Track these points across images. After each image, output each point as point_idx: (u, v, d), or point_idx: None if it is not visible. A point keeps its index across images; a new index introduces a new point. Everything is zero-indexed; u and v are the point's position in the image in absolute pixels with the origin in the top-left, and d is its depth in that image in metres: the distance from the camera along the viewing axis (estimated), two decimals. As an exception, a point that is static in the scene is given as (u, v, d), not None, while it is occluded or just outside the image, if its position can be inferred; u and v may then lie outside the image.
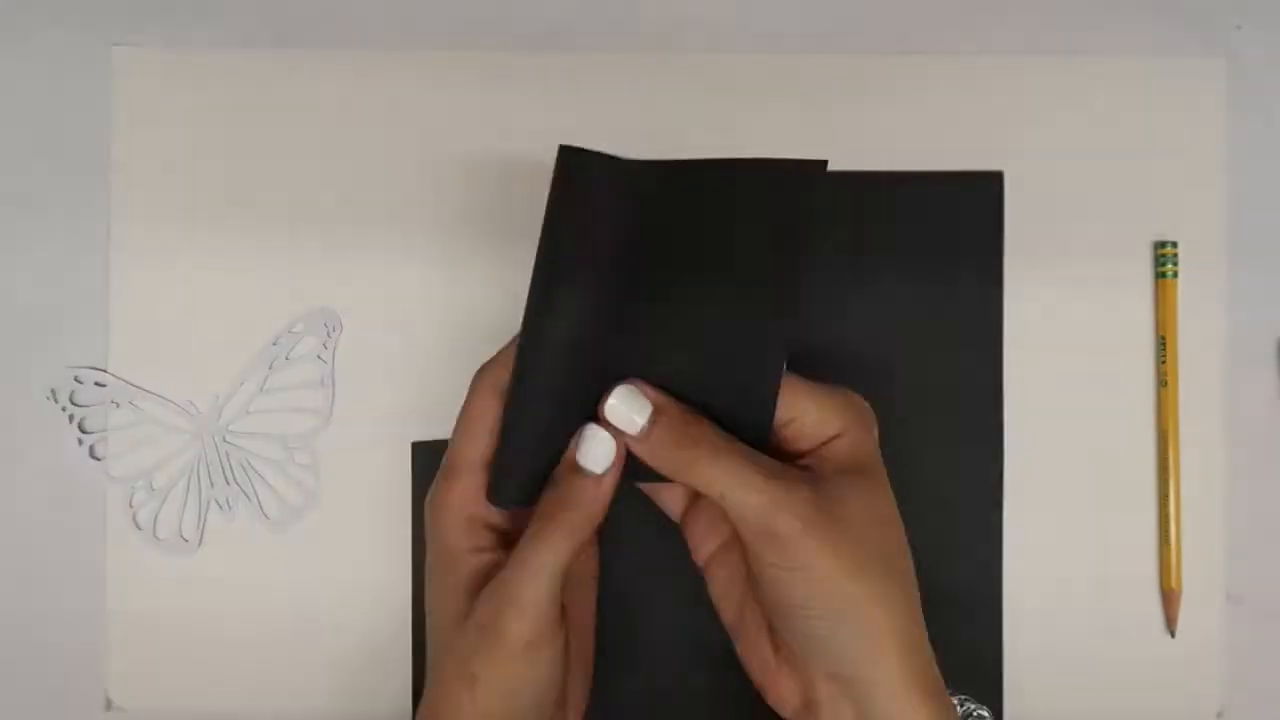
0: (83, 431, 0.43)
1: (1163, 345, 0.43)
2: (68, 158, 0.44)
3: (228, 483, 0.44)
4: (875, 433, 0.34)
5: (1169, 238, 0.44)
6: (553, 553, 0.31)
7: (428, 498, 0.34)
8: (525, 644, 0.31)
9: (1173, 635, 0.43)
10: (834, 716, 0.32)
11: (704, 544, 0.36)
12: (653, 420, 0.32)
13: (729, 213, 0.32)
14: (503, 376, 0.33)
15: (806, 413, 0.33)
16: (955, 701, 0.36)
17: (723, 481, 0.31)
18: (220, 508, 0.44)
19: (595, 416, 0.33)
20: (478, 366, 0.43)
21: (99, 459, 0.44)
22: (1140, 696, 0.43)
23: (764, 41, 0.44)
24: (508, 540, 0.34)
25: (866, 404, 0.34)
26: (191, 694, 0.44)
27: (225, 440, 0.44)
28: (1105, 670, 0.43)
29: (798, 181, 0.32)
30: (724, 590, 0.35)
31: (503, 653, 0.31)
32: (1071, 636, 0.43)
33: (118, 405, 0.43)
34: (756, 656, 0.35)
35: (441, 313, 0.44)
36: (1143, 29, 0.44)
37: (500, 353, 0.34)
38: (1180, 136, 0.44)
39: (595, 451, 0.32)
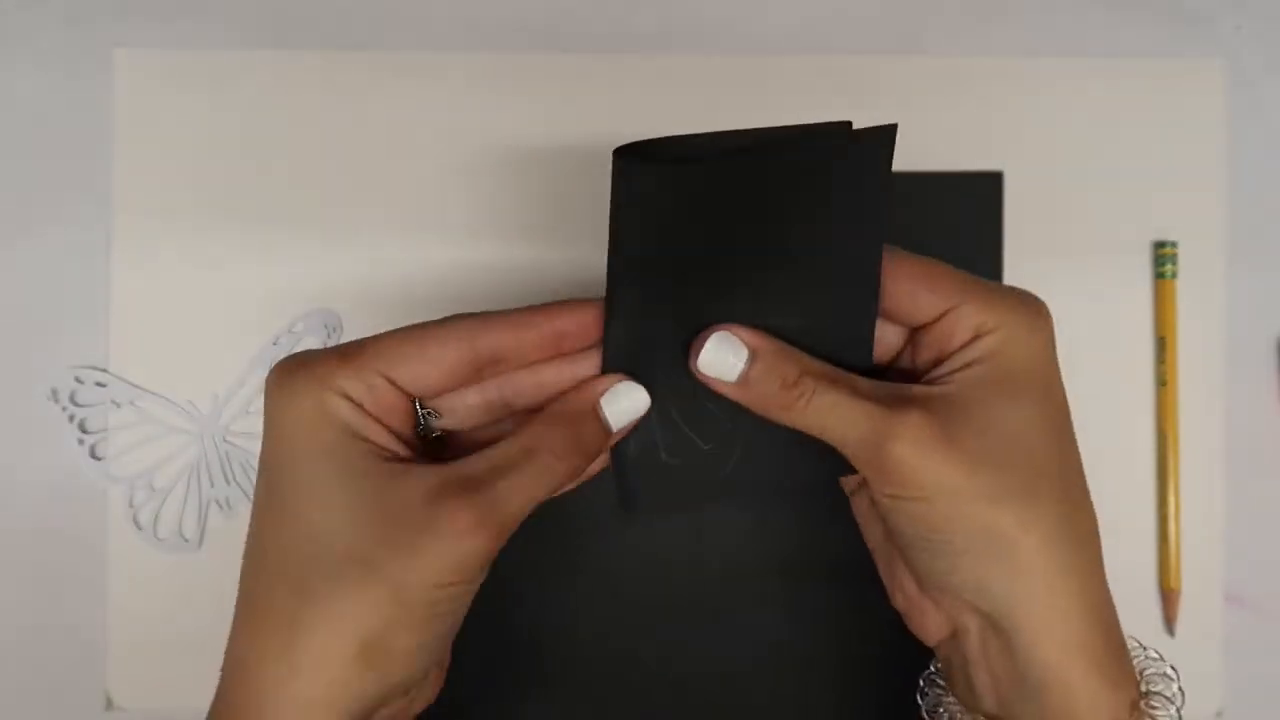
0: (83, 431, 0.43)
1: (1162, 345, 0.43)
2: (68, 158, 0.44)
3: (228, 483, 0.44)
4: (1044, 335, 0.30)
5: (1169, 238, 0.44)
6: (551, 485, 0.28)
7: (310, 368, 0.28)
8: (485, 563, 0.27)
9: (1172, 635, 0.43)
10: (982, 652, 0.29)
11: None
12: (750, 363, 0.29)
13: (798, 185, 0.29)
14: (484, 332, 0.29)
15: (959, 309, 0.29)
16: (1136, 650, 0.31)
17: (824, 419, 0.28)
18: (220, 508, 0.44)
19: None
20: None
21: (99, 459, 0.44)
22: (1140, 696, 0.43)
23: (764, 42, 0.44)
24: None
25: (1042, 303, 0.30)
26: (191, 694, 0.44)
27: (225, 440, 0.44)
28: (1105, 670, 0.43)
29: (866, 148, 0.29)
30: (865, 517, 0.33)
31: (459, 568, 0.26)
32: (1071, 636, 0.43)
33: (118, 405, 0.43)
34: (897, 583, 0.32)
35: (441, 313, 0.44)
36: (1143, 29, 0.44)
37: (492, 314, 0.29)
38: (1180, 136, 0.44)
39: (621, 410, 0.29)
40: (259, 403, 0.44)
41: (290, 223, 0.44)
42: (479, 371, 0.29)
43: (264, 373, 0.43)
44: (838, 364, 0.29)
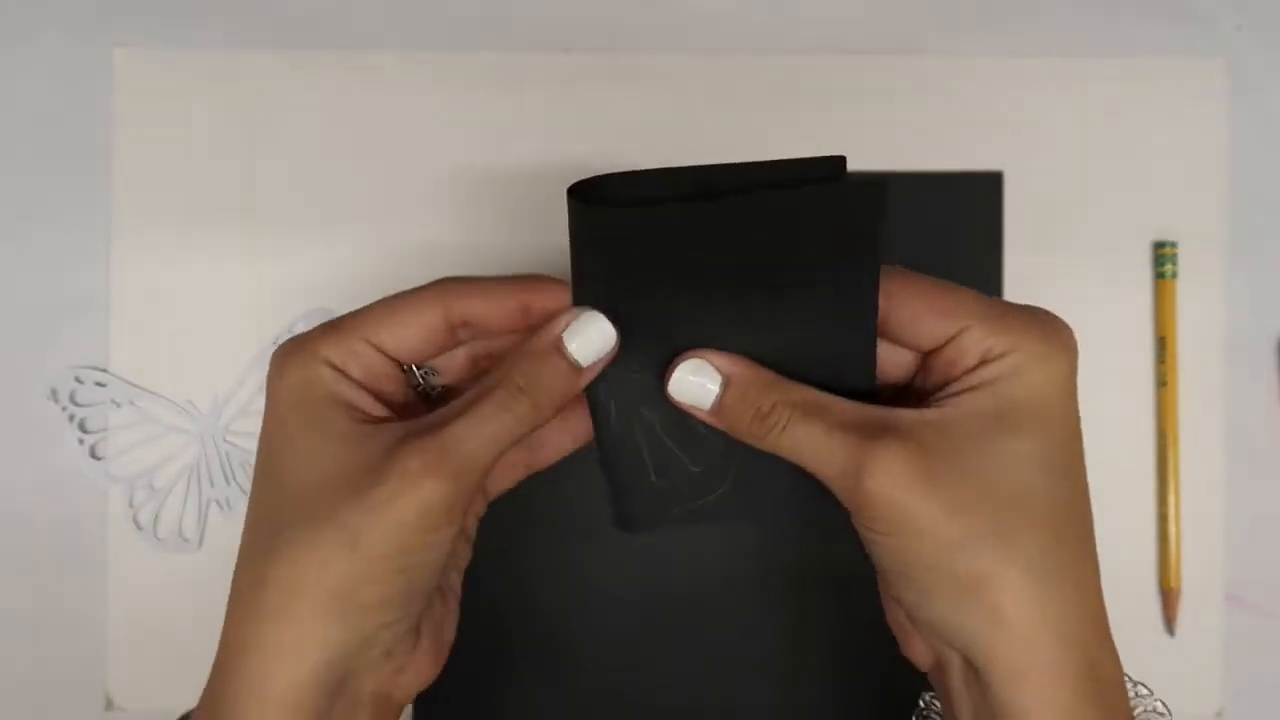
0: (83, 431, 0.43)
1: (1162, 345, 0.43)
2: (69, 158, 0.44)
3: (228, 483, 0.44)
4: (1059, 363, 0.27)
5: (1169, 238, 0.44)
6: (515, 427, 0.27)
7: (300, 344, 0.29)
8: (442, 512, 0.26)
9: (1172, 635, 0.43)
10: (963, 688, 0.28)
11: None
12: (724, 389, 0.28)
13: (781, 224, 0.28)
14: (461, 299, 0.29)
15: (967, 332, 0.27)
16: (1132, 692, 0.29)
17: (800, 450, 0.27)
18: (220, 508, 0.44)
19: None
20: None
21: (99, 459, 0.44)
22: (1140, 696, 0.43)
23: (764, 41, 0.44)
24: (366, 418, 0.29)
25: (1063, 326, 0.28)
26: (191, 694, 0.44)
27: (225, 440, 0.44)
28: (1105, 670, 0.43)
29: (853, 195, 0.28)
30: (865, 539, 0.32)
31: (411, 515, 0.26)
32: (1071, 636, 0.43)
33: (118, 405, 0.43)
34: (890, 610, 0.31)
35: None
36: (1143, 29, 0.44)
37: (472, 281, 0.30)
38: (1180, 136, 0.44)
39: (587, 341, 0.28)
40: (259, 403, 0.44)
41: (290, 223, 0.44)
42: (454, 334, 0.29)
43: (264, 373, 0.43)
44: (839, 387, 0.28)
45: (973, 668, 0.27)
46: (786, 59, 0.44)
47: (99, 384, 0.43)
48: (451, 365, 0.30)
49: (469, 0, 0.44)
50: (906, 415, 0.27)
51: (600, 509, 0.31)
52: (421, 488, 0.26)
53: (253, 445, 0.44)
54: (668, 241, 0.27)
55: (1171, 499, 0.43)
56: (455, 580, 0.32)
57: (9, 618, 0.44)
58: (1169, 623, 0.43)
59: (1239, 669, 0.43)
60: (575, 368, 0.28)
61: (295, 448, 0.28)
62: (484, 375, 0.29)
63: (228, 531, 0.44)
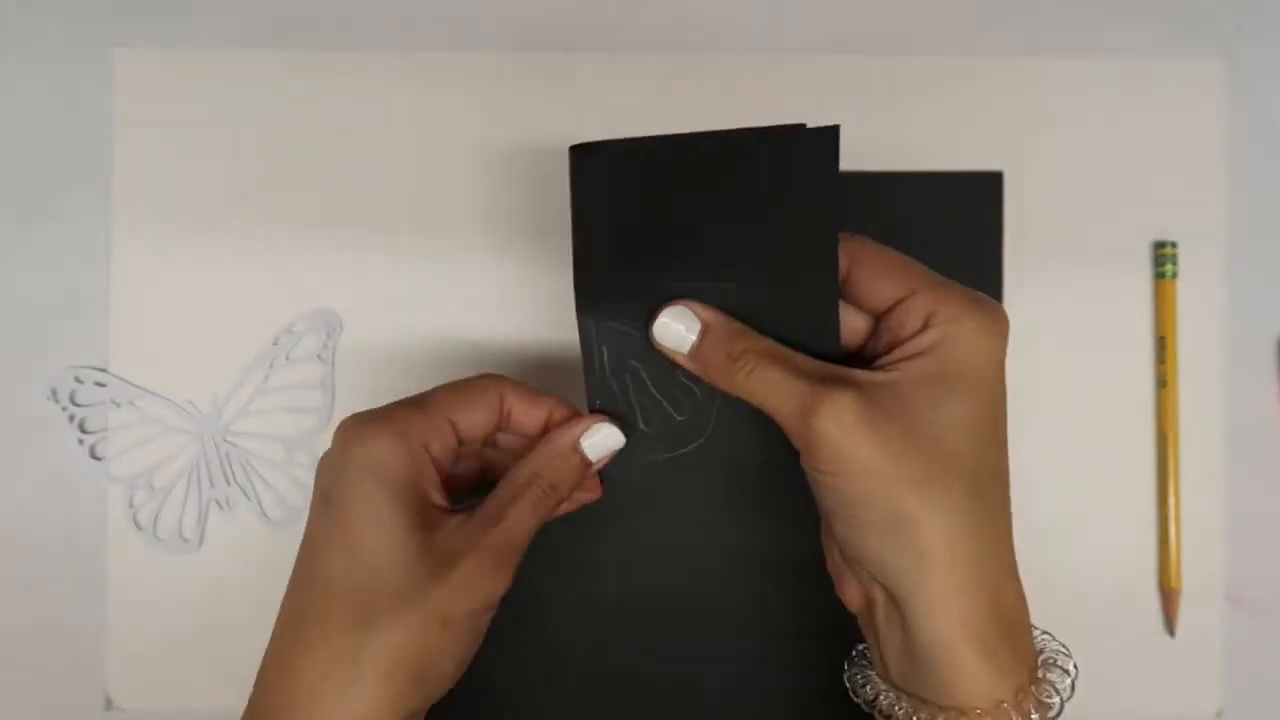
0: (83, 431, 0.43)
1: (1162, 345, 0.43)
2: (68, 158, 0.44)
3: (228, 483, 0.44)
4: (995, 339, 0.31)
5: (1169, 238, 0.44)
6: (545, 512, 0.32)
7: (387, 416, 0.32)
8: (502, 593, 0.31)
9: (1173, 635, 0.43)
10: (887, 625, 0.31)
11: None
12: (701, 335, 0.32)
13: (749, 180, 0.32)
14: (512, 391, 0.34)
15: (914, 297, 0.31)
16: (1042, 640, 0.33)
17: (762, 391, 0.30)
18: (220, 508, 0.44)
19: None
20: (477, 367, 0.43)
21: (99, 459, 0.44)
22: (1140, 696, 0.43)
23: (764, 41, 0.44)
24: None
25: (999, 309, 0.31)
26: (191, 694, 0.44)
27: (225, 440, 0.44)
28: (1105, 670, 0.43)
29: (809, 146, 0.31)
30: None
31: (492, 596, 0.31)
32: (1071, 636, 0.43)
33: (118, 405, 0.43)
34: (829, 550, 0.34)
35: (441, 313, 0.44)
36: (1143, 29, 0.44)
37: (517, 381, 0.34)
38: (1180, 136, 0.44)
39: (598, 444, 0.33)
40: (259, 402, 0.44)
41: (290, 223, 0.44)
42: (499, 425, 0.34)
43: (264, 372, 0.43)
44: (807, 347, 0.31)
45: (896, 603, 0.30)
46: (786, 59, 0.44)
47: (99, 384, 0.43)
48: (468, 459, 0.35)
49: (469, 0, 0.44)
50: (858, 372, 0.30)
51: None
52: (495, 578, 0.31)
53: (252, 445, 0.44)
54: (652, 181, 0.31)
55: (1171, 499, 0.43)
56: None
57: (9, 618, 0.44)
58: (1169, 623, 0.43)
59: (1239, 669, 0.43)
60: (587, 464, 0.33)
61: (380, 519, 0.30)
62: (490, 464, 0.35)
63: (227, 531, 0.44)
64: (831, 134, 0.31)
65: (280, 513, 0.44)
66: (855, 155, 0.44)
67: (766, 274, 0.32)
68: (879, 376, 0.30)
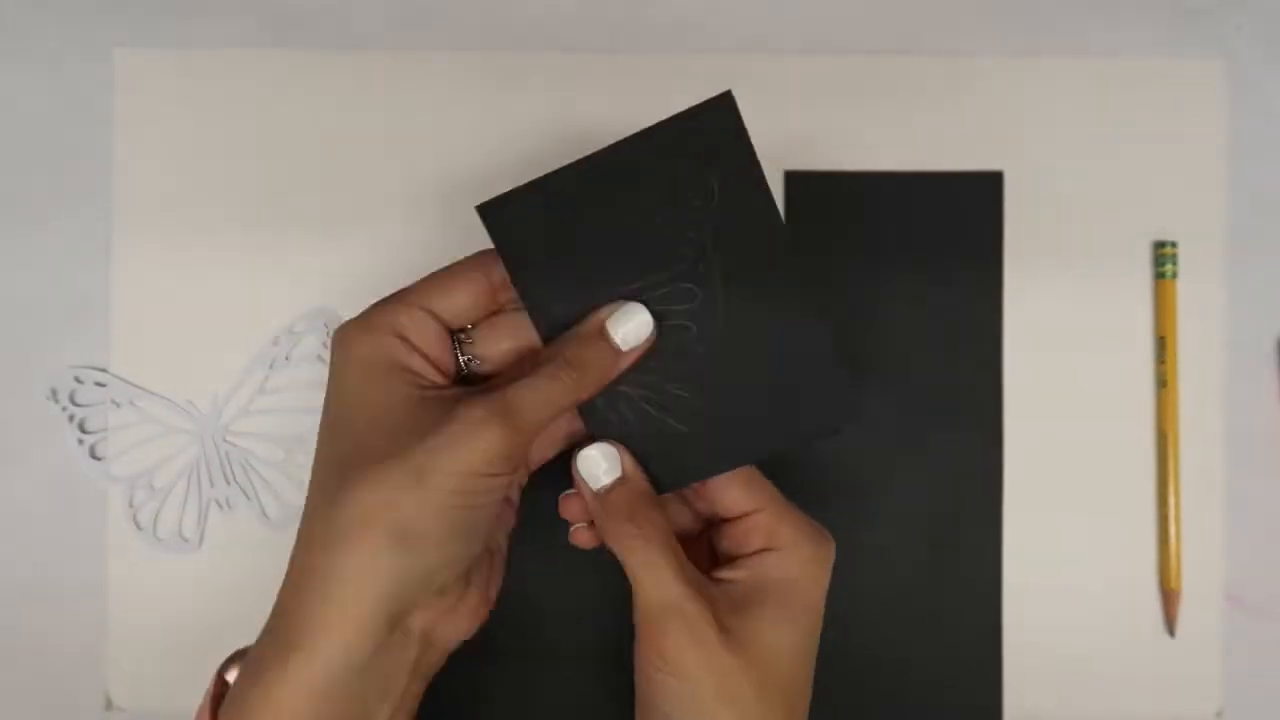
0: (83, 431, 0.43)
1: (1162, 345, 0.43)
2: (69, 158, 0.44)
3: (228, 483, 0.44)
4: (824, 568, 0.33)
5: (1169, 238, 0.44)
6: (563, 394, 0.31)
7: (366, 318, 0.32)
8: (501, 458, 0.30)
9: (1173, 635, 0.43)
10: None
11: None
12: (616, 483, 0.33)
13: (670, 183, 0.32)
14: (494, 265, 0.33)
15: (759, 514, 0.33)
16: None
17: (641, 565, 0.31)
18: (220, 508, 0.44)
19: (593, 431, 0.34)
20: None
21: (99, 459, 0.44)
22: (1140, 696, 0.43)
23: (764, 41, 0.44)
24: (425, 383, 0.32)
25: (829, 538, 0.34)
26: (191, 694, 0.43)
27: (225, 440, 0.44)
28: (1105, 670, 0.43)
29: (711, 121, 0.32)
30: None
31: (475, 456, 0.29)
32: (1071, 636, 0.43)
33: (118, 405, 0.43)
34: None
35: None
36: (1143, 29, 0.44)
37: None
38: (1180, 136, 0.44)
39: (628, 329, 0.32)
40: (259, 402, 0.44)
41: (290, 222, 0.44)
42: (495, 297, 0.33)
43: (264, 373, 0.43)
44: (797, 350, 0.33)
45: None
46: (786, 59, 0.44)
47: (99, 384, 0.43)
48: (494, 354, 0.33)
49: (469, 0, 0.44)
50: (712, 586, 0.32)
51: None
52: (484, 433, 0.29)
53: (252, 445, 0.44)
54: (566, 211, 0.32)
55: (1171, 499, 0.43)
56: (502, 541, 0.36)
57: (9, 617, 0.44)
58: (1169, 623, 0.43)
59: (1239, 669, 0.43)
60: (617, 350, 0.32)
61: (366, 405, 0.31)
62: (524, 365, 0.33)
63: (228, 531, 0.44)
64: (726, 100, 0.31)
65: (280, 513, 0.44)
66: (856, 155, 0.44)
67: (719, 267, 0.32)
68: (729, 593, 0.32)
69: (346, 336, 0.32)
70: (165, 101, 0.44)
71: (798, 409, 0.33)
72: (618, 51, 0.44)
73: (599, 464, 0.33)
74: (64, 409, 0.43)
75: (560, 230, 0.32)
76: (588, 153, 0.31)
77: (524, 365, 0.33)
